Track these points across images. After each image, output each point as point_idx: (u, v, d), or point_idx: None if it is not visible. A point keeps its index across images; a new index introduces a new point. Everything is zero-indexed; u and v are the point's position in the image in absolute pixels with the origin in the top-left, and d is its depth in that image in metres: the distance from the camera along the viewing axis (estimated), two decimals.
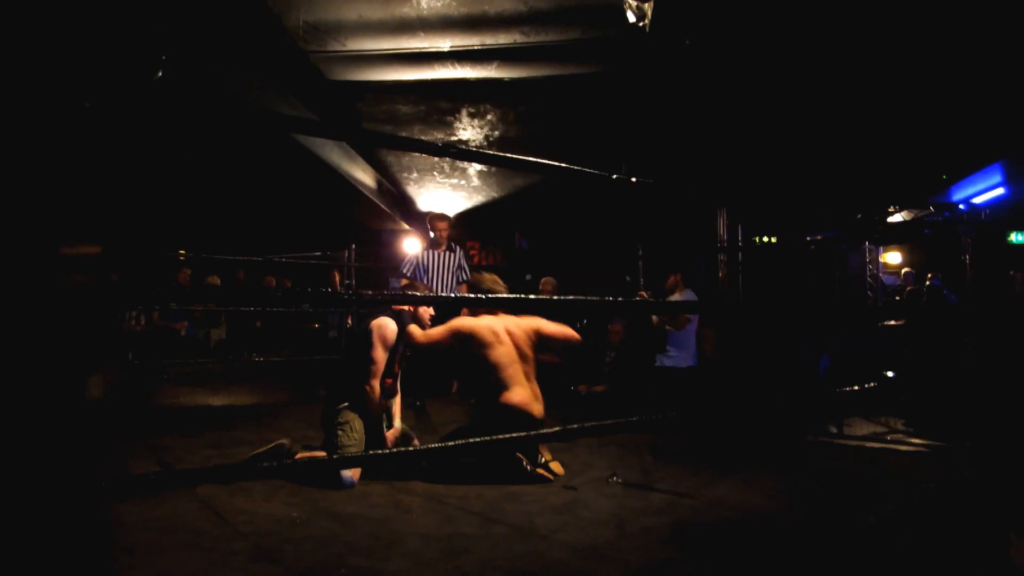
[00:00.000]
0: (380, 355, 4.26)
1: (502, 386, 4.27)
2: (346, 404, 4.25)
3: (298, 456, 4.17)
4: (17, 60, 1.50)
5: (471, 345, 4.34)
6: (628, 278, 8.00)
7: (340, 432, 4.17)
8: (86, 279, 1.58)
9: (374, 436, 4.30)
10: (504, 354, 4.33)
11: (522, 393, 4.28)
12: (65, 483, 1.54)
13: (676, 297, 6.82)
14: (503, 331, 4.40)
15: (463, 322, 4.43)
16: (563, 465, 4.40)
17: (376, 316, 4.39)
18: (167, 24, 4.71)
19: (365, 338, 4.30)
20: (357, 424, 4.21)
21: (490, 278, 4.65)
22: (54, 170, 1.53)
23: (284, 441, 4.31)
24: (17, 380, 1.47)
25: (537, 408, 4.33)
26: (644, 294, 7.13)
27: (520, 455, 4.12)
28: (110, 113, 1.64)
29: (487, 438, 2.18)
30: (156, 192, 8.58)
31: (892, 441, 5.39)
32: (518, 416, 4.19)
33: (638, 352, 7.42)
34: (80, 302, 1.59)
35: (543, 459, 4.18)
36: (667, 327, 6.71)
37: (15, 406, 1.47)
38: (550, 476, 4.13)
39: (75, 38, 1.62)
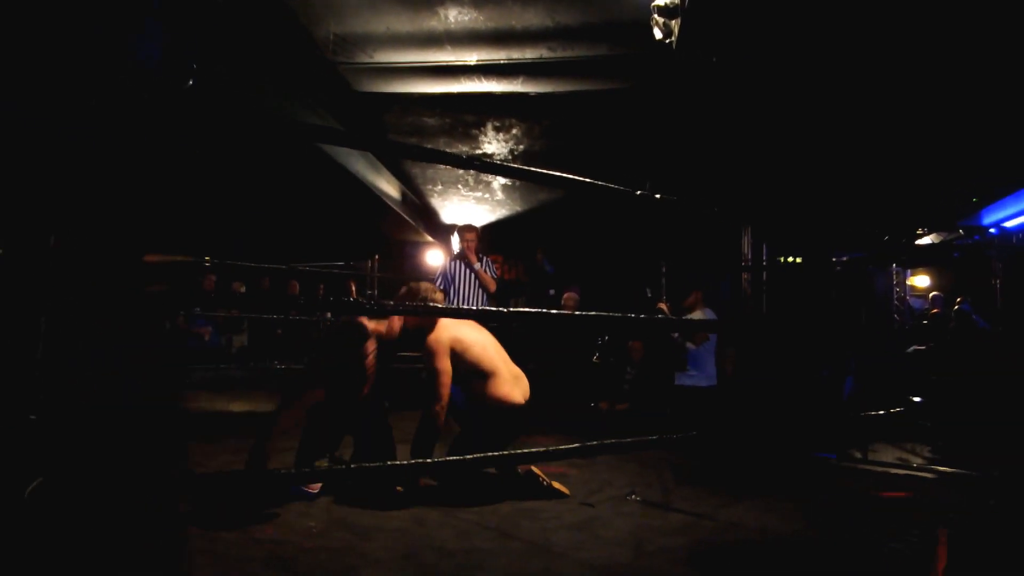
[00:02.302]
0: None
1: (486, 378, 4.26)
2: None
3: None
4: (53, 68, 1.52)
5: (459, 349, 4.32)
6: (649, 293, 7.95)
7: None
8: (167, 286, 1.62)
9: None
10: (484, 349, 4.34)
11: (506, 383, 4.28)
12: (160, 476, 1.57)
13: (696, 315, 6.76)
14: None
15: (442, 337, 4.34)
16: (582, 482, 4.37)
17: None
18: (199, 33, 4.77)
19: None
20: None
21: (427, 287, 4.52)
22: (129, 178, 1.56)
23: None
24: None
25: (517, 394, 4.29)
26: (663, 306, 7.07)
27: (535, 469, 4.10)
28: (141, 120, 1.66)
29: (504, 452, 2.16)
30: (183, 198, 8.66)
31: (917, 468, 5.30)
32: (504, 408, 4.19)
33: (658, 370, 7.37)
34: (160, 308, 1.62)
35: (544, 482, 4.15)
36: (687, 344, 6.65)
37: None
38: (565, 490, 4.10)
39: (105, 46, 1.64)
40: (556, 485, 4.11)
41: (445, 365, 4.16)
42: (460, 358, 4.21)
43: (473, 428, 4.31)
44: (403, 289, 4.42)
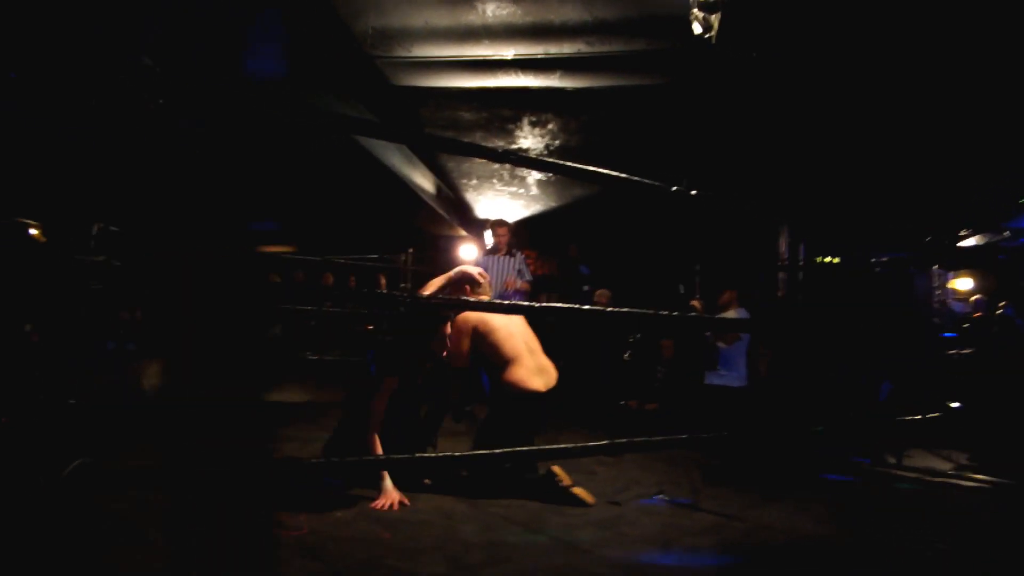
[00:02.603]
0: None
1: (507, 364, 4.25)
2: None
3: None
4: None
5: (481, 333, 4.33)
6: (682, 289, 7.86)
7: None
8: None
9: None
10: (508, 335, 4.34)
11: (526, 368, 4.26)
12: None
13: (730, 314, 6.68)
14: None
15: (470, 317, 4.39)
16: (609, 480, 4.35)
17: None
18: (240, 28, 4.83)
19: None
20: None
21: (474, 270, 4.53)
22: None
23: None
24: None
25: (538, 382, 4.25)
26: (696, 304, 6.99)
27: (556, 469, 4.03)
28: (185, 112, 1.69)
29: (527, 448, 2.15)
30: (218, 190, 8.78)
31: (953, 475, 5.19)
32: (520, 394, 4.17)
33: (689, 368, 7.30)
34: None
35: (563, 483, 4.01)
36: (718, 344, 6.57)
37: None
38: (588, 498, 3.93)
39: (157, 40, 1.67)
40: (577, 491, 3.94)
41: (462, 345, 4.24)
42: (482, 340, 4.24)
43: (489, 414, 4.32)
44: (452, 273, 4.42)
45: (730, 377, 6.47)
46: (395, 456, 3.95)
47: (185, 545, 2.87)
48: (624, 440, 2.45)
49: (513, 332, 4.32)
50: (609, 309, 2.43)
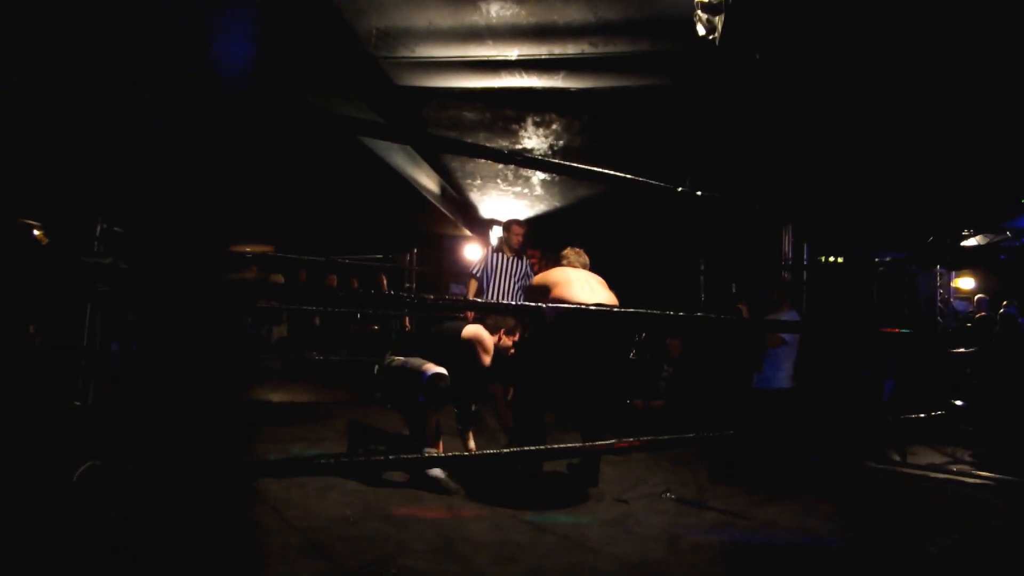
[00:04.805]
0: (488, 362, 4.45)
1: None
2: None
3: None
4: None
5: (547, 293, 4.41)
6: (734, 289, 7.85)
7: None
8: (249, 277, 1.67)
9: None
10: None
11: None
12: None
13: (780, 316, 6.65)
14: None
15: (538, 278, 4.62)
16: (616, 479, 4.38)
17: (456, 323, 4.59)
18: (247, 29, 4.86)
19: (458, 347, 4.41)
20: None
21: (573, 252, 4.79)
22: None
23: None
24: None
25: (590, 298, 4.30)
26: (742, 307, 6.98)
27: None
28: (195, 114, 1.71)
29: (534, 448, 2.17)
30: (225, 192, 8.81)
31: (957, 472, 5.20)
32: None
33: (695, 367, 7.31)
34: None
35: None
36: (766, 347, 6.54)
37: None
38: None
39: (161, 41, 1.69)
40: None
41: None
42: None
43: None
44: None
45: (776, 379, 6.44)
46: (405, 456, 3.97)
47: (193, 545, 2.90)
48: (630, 440, 2.47)
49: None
50: (615, 310, 2.45)
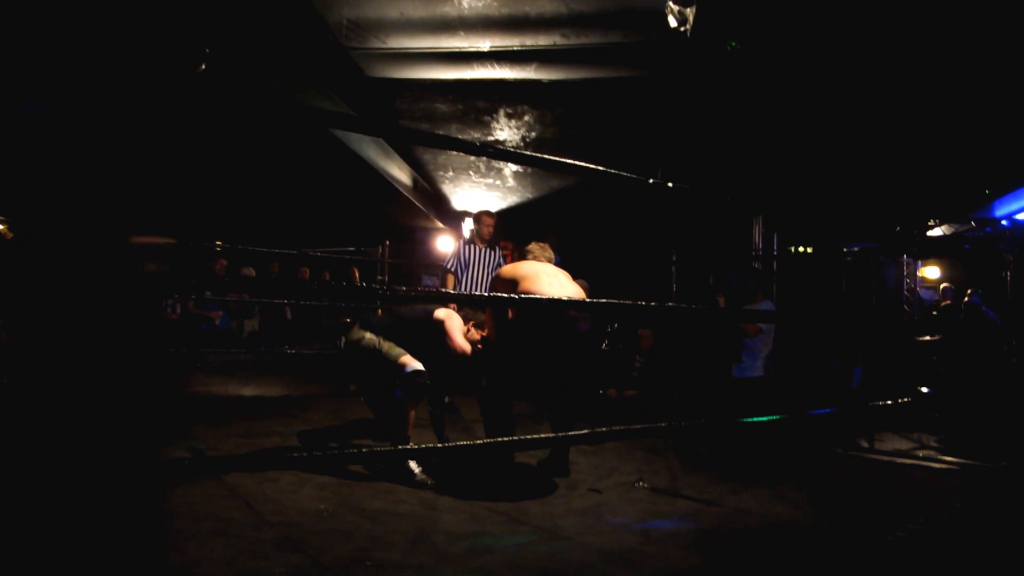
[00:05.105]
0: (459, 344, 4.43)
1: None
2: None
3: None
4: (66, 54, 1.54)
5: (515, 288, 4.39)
6: (711, 280, 7.91)
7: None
8: (158, 267, 1.64)
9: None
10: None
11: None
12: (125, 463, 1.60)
13: (756, 306, 6.75)
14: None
15: (505, 271, 4.57)
16: (590, 469, 4.41)
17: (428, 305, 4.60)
18: (212, 18, 4.79)
19: (429, 328, 4.41)
20: None
21: (538, 247, 4.75)
22: (113, 161, 1.58)
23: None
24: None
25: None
26: (720, 299, 7.07)
27: None
28: (154, 104, 1.69)
29: (508, 439, 2.18)
30: (192, 183, 8.71)
31: (924, 458, 5.30)
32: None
33: (666, 357, 7.37)
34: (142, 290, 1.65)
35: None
36: (743, 337, 6.63)
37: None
38: None
39: (118, 31, 1.66)
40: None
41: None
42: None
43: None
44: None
45: (753, 368, 6.55)
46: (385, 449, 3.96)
47: (160, 539, 2.86)
48: (604, 429, 2.49)
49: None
50: (589, 300, 2.47)
